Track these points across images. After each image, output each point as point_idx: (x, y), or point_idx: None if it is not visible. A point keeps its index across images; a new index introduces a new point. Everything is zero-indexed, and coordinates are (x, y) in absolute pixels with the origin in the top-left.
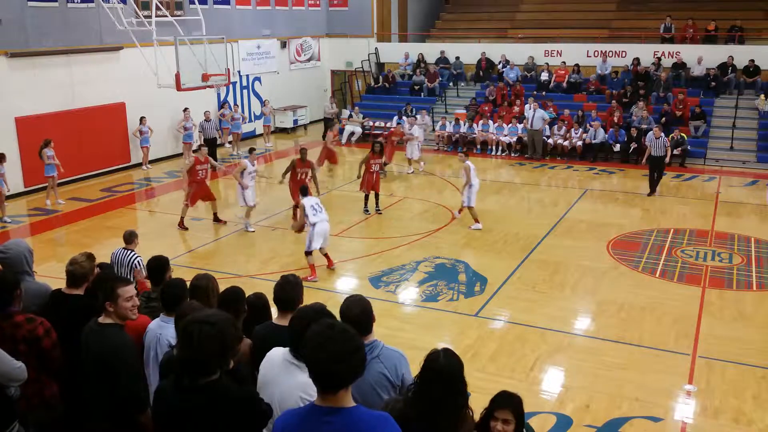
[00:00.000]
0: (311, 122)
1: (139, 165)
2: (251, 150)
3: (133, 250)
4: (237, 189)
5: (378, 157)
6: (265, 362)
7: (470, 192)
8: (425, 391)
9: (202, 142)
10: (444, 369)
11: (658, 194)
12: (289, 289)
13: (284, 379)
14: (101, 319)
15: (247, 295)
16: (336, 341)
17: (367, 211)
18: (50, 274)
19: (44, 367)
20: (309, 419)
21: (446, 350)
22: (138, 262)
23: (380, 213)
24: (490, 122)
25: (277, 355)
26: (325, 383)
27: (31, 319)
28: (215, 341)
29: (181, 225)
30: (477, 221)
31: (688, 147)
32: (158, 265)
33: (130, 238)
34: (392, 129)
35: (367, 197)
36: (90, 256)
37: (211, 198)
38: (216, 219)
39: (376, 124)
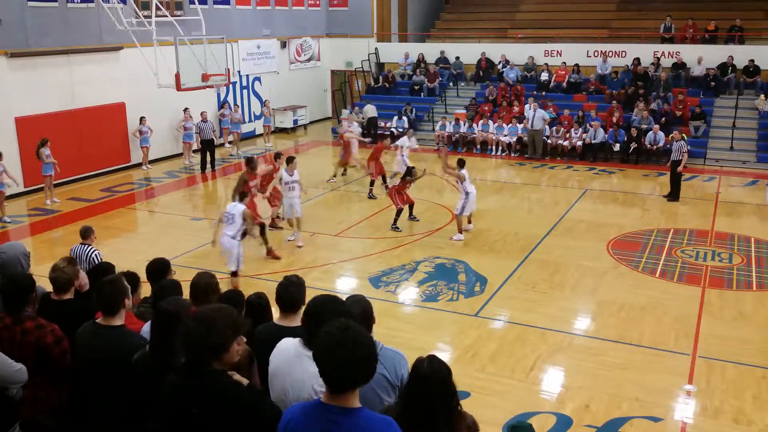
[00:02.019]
0: (311, 122)
1: (139, 165)
2: (290, 159)
3: (90, 245)
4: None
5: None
6: (276, 352)
7: (466, 200)
8: (413, 400)
9: (200, 144)
10: (429, 376)
11: (675, 198)
12: (293, 290)
13: (297, 369)
14: (103, 321)
15: (248, 296)
16: (352, 344)
17: (397, 228)
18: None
19: (52, 374)
20: (316, 416)
21: (431, 357)
22: (96, 255)
23: (417, 220)
24: (490, 122)
25: (288, 345)
26: (338, 385)
27: (41, 326)
28: (203, 339)
29: (273, 224)
30: (460, 231)
31: (689, 147)
32: (158, 269)
33: (86, 233)
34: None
35: (400, 211)
36: (71, 261)
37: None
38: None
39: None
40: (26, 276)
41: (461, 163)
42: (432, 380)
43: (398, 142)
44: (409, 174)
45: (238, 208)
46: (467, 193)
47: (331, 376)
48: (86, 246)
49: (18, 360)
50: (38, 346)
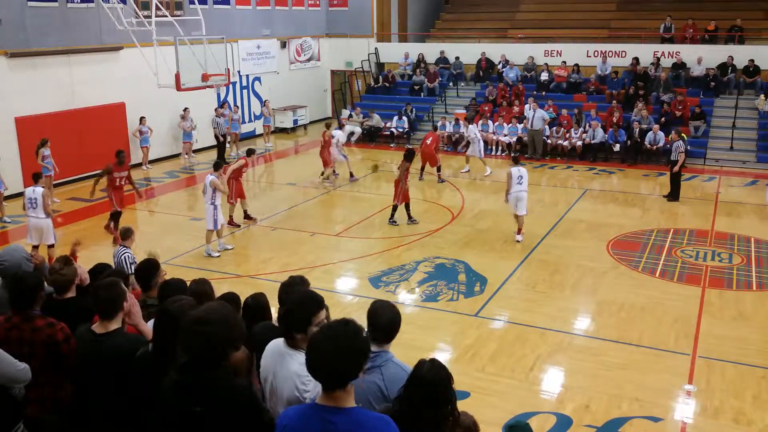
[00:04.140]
0: (311, 122)
1: (139, 165)
2: (217, 165)
3: (127, 247)
4: (209, 210)
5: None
6: (265, 354)
7: (510, 199)
8: (410, 401)
9: (220, 138)
10: (428, 379)
11: (673, 199)
12: (295, 291)
13: (279, 368)
14: (100, 327)
15: (246, 297)
16: (343, 338)
17: (395, 222)
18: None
19: (59, 372)
20: (310, 418)
21: (432, 361)
22: (126, 257)
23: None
24: (490, 122)
25: (274, 345)
26: (326, 379)
27: (51, 323)
28: (209, 341)
29: (231, 222)
30: (518, 231)
31: (688, 147)
32: (146, 269)
33: (125, 234)
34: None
35: (395, 208)
36: (67, 261)
37: (243, 196)
38: (247, 216)
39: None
40: (33, 274)
41: (515, 160)
42: (431, 383)
43: (334, 134)
44: (409, 157)
45: (37, 191)
46: (509, 194)
47: (318, 370)
48: (121, 248)
49: (28, 358)
50: (49, 343)
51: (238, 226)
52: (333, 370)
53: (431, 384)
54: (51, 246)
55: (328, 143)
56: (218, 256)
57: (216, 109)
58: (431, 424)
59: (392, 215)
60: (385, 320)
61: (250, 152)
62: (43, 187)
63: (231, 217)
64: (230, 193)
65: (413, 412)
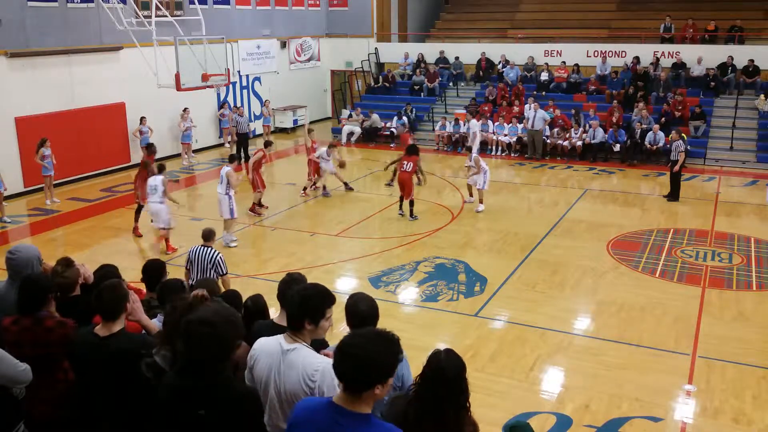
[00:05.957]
0: (311, 122)
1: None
2: (232, 158)
3: (212, 247)
4: (224, 200)
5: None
6: (258, 356)
7: (486, 176)
8: (426, 391)
9: (235, 137)
10: (445, 369)
11: (673, 199)
12: (295, 288)
13: (283, 366)
14: (103, 329)
15: (247, 297)
16: (375, 345)
17: (416, 217)
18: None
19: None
20: (322, 413)
21: (448, 350)
22: (220, 259)
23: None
24: (489, 122)
25: (270, 345)
26: (348, 381)
27: (62, 323)
28: (215, 342)
29: (254, 210)
30: (481, 202)
31: (688, 147)
32: (154, 269)
33: (209, 235)
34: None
35: (411, 202)
36: (69, 263)
37: (263, 186)
38: (260, 204)
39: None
40: (45, 276)
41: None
42: (447, 372)
43: (319, 152)
44: (415, 152)
45: (157, 179)
46: (486, 171)
47: (342, 369)
48: (209, 249)
49: (44, 359)
50: (64, 342)
51: (259, 214)
52: (357, 375)
53: (449, 373)
54: (163, 229)
55: (311, 150)
56: (236, 246)
57: (238, 108)
58: (450, 414)
59: (411, 211)
60: (366, 310)
61: (267, 144)
62: (163, 176)
63: (256, 203)
64: (257, 183)
65: (432, 403)
